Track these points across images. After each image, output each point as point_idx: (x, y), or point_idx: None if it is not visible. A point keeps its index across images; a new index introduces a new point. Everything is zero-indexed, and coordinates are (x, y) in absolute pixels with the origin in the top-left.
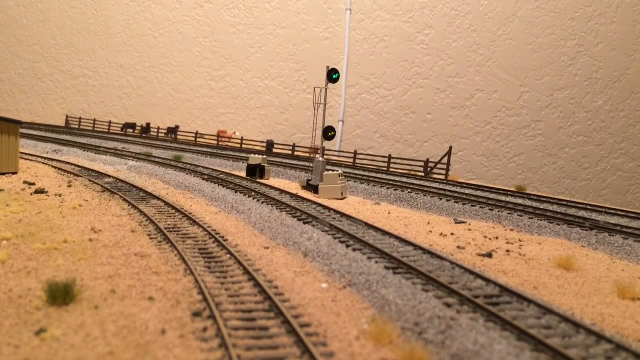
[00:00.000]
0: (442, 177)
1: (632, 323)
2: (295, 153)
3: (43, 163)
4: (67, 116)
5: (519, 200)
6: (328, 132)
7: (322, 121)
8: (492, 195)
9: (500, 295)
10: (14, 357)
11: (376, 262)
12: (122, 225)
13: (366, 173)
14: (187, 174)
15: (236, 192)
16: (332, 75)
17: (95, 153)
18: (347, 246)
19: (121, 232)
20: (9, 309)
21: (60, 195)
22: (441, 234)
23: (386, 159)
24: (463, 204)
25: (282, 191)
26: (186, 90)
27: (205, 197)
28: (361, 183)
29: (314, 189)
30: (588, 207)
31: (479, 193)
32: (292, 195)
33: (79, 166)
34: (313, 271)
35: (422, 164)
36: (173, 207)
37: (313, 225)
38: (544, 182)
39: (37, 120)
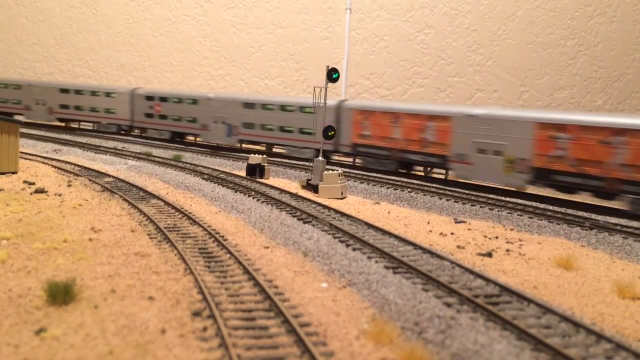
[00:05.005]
0: (442, 176)
1: (632, 323)
2: None
3: (43, 163)
4: None
5: (519, 200)
6: (328, 132)
7: (322, 121)
8: (492, 195)
9: (500, 295)
10: (14, 357)
11: (376, 261)
12: (122, 225)
13: (366, 173)
14: (187, 173)
15: (236, 191)
16: (332, 75)
17: (95, 153)
18: (347, 246)
19: (121, 232)
20: (9, 308)
21: (60, 195)
22: (441, 233)
23: None
24: (463, 203)
25: (282, 191)
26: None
27: (205, 196)
28: (361, 183)
29: (314, 189)
30: (588, 206)
31: (479, 193)
32: (292, 194)
33: (79, 166)
34: (313, 271)
35: None
36: (173, 207)
37: (313, 225)
38: None
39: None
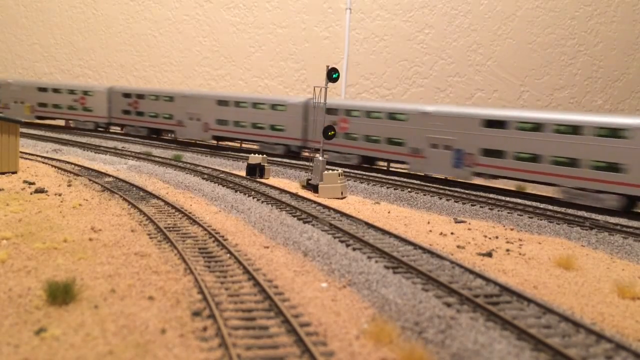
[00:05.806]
0: (443, 176)
1: (632, 323)
2: None
3: (43, 162)
4: None
5: (519, 200)
6: (328, 132)
7: (322, 120)
8: (492, 195)
9: (500, 295)
10: (14, 357)
11: (376, 261)
12: (122, 224)
13: (366, 172)
14: (187, 173)
15: (236, 191)
16: (332, 75)
17: (95, 152)
18: (347, 246)
19: (121, 232)
20: (9, 308)
21: (60, 195)
22: (441, 233)
23: None
24: (463, 203)
25: (282, 191)
26: None
27: (205, 196)
28: (361, 182)
29: (314, 189)
30: (588, 206)
31: (479, 193)
32: (292, 194)
33: (79, 165)
34: (313, 271)
35: None
36: (173, 207)
37: (313, 225)
38: None
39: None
